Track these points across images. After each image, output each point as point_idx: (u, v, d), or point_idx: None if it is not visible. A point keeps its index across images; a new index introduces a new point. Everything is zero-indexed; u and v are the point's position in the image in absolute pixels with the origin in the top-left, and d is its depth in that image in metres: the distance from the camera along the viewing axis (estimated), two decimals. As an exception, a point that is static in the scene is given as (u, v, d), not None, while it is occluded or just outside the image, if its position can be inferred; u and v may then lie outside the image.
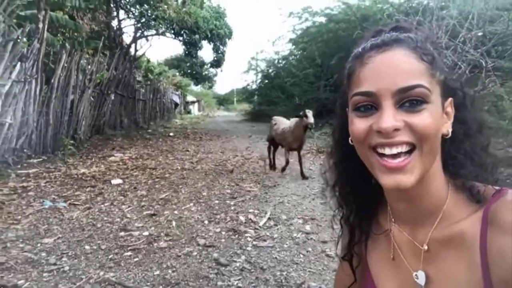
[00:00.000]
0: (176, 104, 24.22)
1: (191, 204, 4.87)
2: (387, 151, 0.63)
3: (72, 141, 8.22)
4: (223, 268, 3.10)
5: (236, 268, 3.12)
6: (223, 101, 53.58)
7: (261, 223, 4.12)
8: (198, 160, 8.15)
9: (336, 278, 1.01)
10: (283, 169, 6.76)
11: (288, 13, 17.31)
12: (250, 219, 4.27)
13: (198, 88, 41.83)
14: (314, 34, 16.79)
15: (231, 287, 2.82)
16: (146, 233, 3.85)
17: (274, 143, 7.28)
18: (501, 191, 0.66)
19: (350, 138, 0.71)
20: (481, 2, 8.68)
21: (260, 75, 23.14)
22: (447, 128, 0.68)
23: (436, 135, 0.64)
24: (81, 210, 4.56)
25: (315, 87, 17.91)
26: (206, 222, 4.19)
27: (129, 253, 3.37)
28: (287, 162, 6.63)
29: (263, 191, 5.59)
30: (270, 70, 22.44)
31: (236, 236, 3.78)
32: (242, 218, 4.30)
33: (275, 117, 7.54)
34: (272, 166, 7.29)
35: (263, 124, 18.21)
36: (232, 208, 4.72)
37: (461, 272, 0.65)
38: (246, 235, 3.80)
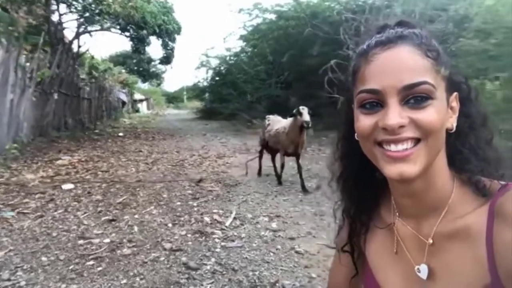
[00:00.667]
0: (124, 103, 23.34)
1: (152, 207, 4.70)
2: (392, 147, 0.64)
3: (14, 145, 7.62)
4: (194, 272, 3.03)
5: (207, 271, 3.05)
6: (173, 99, 52.35)
7: (227, 223, 4.08)
8: (153, 160, 7.90)
9: (331, 270, 1.00)
10: (279, 177, 5.98)
11: (238, 10, 17.25)
12: (216, 219, 4.20)
13: (146, 86, 40.58)
14: (264, 31, 16.89)
15: (204, 292, 2.76)
16: (107, 240, 3.66)
17: (268, 148, 6.34)
18: (507, 186, 0.67)
19: (356, 134, 0.72)
20: (422, 2, 9.19)
21: (211, 72, 22.83)
22: (451, 122, 0.69)
23: (441, 130, 0.65)
24: (32, 218, 4.24)
25: (266, 84, 18.04)
26: (170, 225, 4.07)
27: (91, 263, 3.18)
28: (282, 167, 5.88)
29: (225, 190, 5.53)
30: (222, 67, 22.25)
31: (203, 238, 3.71)
32: (207, 219, 4.22)
33: (269, 116, 6.62)
34: (259, 172, 6.50)
35: (216, 122, 18.16)
36: (196, 209, 4.62)
37: (467, 265, 0.66)
38: (213, 236, 3.74)
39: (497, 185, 0.68)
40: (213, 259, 3.25)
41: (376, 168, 0.70)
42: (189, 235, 3.78)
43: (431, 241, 0.71)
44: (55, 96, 10.89)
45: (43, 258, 3.23)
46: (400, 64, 0.63)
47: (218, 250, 3.44)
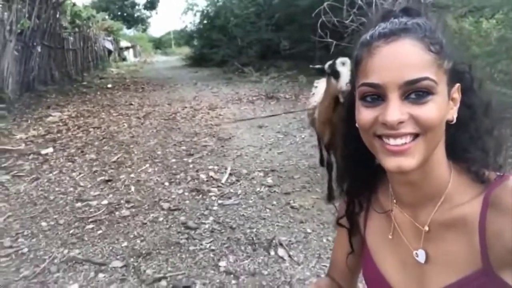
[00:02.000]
0: (110, 51, 22.47)
1: (147, 165, 4.72)
2: (391, 141, 0.64)
3: (1, 105, 7.43)
4: (193, 232, 3.10)
5: (205, 230, 3.13)
6: (160, 44, 50.40)
7: (223, 180, 4.12)
8: (145, 114, 7.79)
9: (333, 247, 1.04)
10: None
11: None
12: (211, 176, 4.24)
13: (131, 32, 39.03)
14: (254, -31, 16.00)
15: (203, 251, 2.84)
16: (105, 202, 3.70)
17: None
18: (503, 176, 0.67)
19: (356, 123, 0.72)
20: None
21: (199, 14, 21.87)
22: (452, 114, 0.68)
23: (441, 124, 0.65)
24: (28, 182, 4.24)
25: (257, 27, 17.42)
26: (166, 184, 4.11)
27: (91, 226, 3.24)
28: (329, 171, 3.54)
29: (219, 144, 5.53)
30: (210, 10, 21.30)
31: (200, 196, 3.76)
32: (203, 176, 4.26)
33: (318, 81, 4.46)
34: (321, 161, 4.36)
35: (207, 69, 17.77)
36: (191, 166, 4.65)
37: (461, 252, 0.68)
38: (210, 194, 3.80)
39: (493, 175, 0.69)
40: (211, 218, 3.32)
41: (374, 157, 0.71)
42: (186, 194, 3.83)
43: (427, 228, 0.73)
44: (38, 49, 10.44)
45: (43, 223, 3.28)
46: (402, 59, 0.63)
47: (215, 208, 3.51)
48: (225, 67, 16.64)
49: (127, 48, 28.70)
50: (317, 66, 3.12)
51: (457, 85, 0.69)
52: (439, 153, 0.70)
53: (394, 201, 0.80)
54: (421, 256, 0.74)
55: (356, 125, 0.72)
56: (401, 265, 0.79)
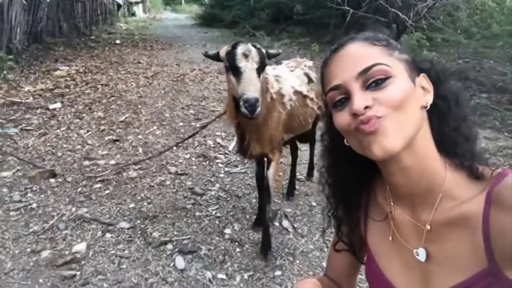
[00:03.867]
0: (119, 5, 21.90)
1: (155, 127, 4.71)
2: (366, 127, 0.66)
3: (10, 56, 7.33)
4: (199, 197, 3.13)
5: (212, 197, 3.16)
6: (170, 1, 49.29)
7: (230, 147, 4.11)
8: (153, 74, 7.69)
9: (329, 255, 1.03)
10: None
11: None
12: (219, 143, 4.24)
13: (141, -14, 37.90)
14: None
15: (209, 217, 2.88)
16: (112, 162, 3.72)
17: None
18: (503, 173, 0.68)
19: (345, 140, 0.76)
20: None
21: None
22: (425, 100, 0.72)
23: (407, 103, 0.67)
24: (36, 136, 4.26)
25: (271, -11, 16.83)
26: (174, 148, 4.11)
27: (98, 185, 3.28)
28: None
29: (227, 110, 5.47)
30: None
31: (207, 162, 3.77)
32: (210, 142, 4.25)
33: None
34: None
35: (217, 30, 17.37)
36: (199, 130, 4.63)
37: (464, 250, 0.68)
38: (217, 161, 3.80)
39: (489, 170, 0.70)
40: (217, 185, 3.34)
41: (365, 162, 0.74)
42: (193, 159, 3.84)
43: (428, 227, 0.73)
44: (47, -2, 10.19)
45: (51, 180, 3.32)
46: (351, 57, 0.71)
47: (222, 175, 3.52)
48: (236, 29, 16.23)
49: (137, 3, 27.99)
50: (211, 53, 2.10)
51: (422, 74, 0.74)
52: (425, 140, 0.71)
53: (392, 203, 0.81)
54: (421, 254, 0.75)
55: (346, 142, 0.76)
56: (405, 267, 0.79)
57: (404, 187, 0.75)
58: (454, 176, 0.72)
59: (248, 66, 1.88)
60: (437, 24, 8.70)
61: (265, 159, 2.48)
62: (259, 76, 1.92)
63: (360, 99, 0.67)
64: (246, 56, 1.89)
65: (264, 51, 1.99)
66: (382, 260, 0.84)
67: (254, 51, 1.91)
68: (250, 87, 1.84)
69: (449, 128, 0.75)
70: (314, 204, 3.07)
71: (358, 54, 0.70)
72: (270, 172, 2.41)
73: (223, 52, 2.00)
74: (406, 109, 0.67)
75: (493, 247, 0.63)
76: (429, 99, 0.73)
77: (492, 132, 4.43)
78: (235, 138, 3.70)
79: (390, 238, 0.81)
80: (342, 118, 0.71)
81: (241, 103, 1.83)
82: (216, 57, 2.05)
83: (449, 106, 0.76)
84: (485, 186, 0.68)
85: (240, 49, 1.90)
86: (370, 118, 0.66)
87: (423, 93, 0.73)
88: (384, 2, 8.71)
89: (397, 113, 0.66)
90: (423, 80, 0.74)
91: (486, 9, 8.68)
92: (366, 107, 0.66)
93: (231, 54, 1.92)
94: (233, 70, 1.91)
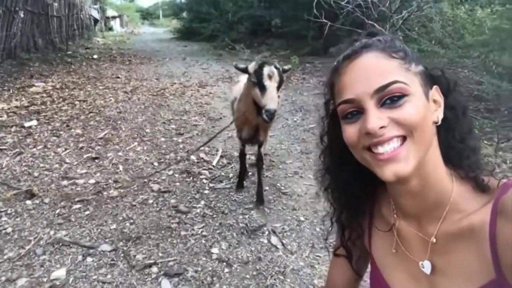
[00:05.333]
0: (96, 20, 21.65)
1: (135, 143, 4.59)
2: (380, 149, 0.65)
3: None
4: (184, 216, 3.04)
5: (197, 214, 3.07)
6: (148, 15, 49.00)
7: (214, 162, 4.04)
8: (132, 89, 7.56)
9: (330, 270, 1.03)
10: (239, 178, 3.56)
11: None
12: (202, 158, 4.15)
13: (118, 1, 37.65)
14: None
15: (195, 236, 2.79)
16: (92, 181, 3.59)
17: None
18: (508, 183, 0.67)
19: (337, 146, 0.77)
20: None
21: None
22: (437, 115, 0.70)
23: (424, 123, 0.65)
24: (11, 156, 4.09)
25: (249, 2, 16.98)
26: (155, 164, 4.01)
27: (78, 206, 3.14)
28: (242, 163, 3.50)
29: (210, 124, 5.42)
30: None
31: (191, 178, 3.69)
32: (193, 157, 4.16)
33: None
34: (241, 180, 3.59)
35: (196, 43, 17.37)
36: (181, 146, 4.54)
37: (471, 262, 0.67)
38: (201, 177, 3.72)
39: (495, 181, 0.69)
40: (202, 202, 3.25)
41: (370, 172, 0.71)
42: (176, 175, 3.74)
43: (434, 239, 0.72)
44: (21, 14, 9.94)
45: (27, 202, 3.16)
46: (367, 71, 0.67)
47: (206, 191, 3.44)
48: (215, 43, 16.27)
49: (114, 17, 27.73)
50: (241, 66, 2.66)
51: (435, 86, 0.71)
52: (434, 158, 0.70)
53: (395, 215, 0.80)
54: (426, 267, 0.74)
55: (335, 148, 0.77)
56: (410, 279, 0.79)
57: (411, 205, 0.75)
58: (460, 188, 0.71)
59: (271, 85, 2.43)
60: (412, 35, 8.91)
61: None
62: (278, 91, 2.47)
63: (376, 118, 0.64)
64: (270, 76, 2.44)
65: (281, 69, 2.55)
66: (386, 272, 0.84)
67: (276, 72, 2.46)
68: (272, 101, 2.39)
69: (455, 141, 0.74)
70: (302, 218, 3.02)
71: (375, 68, 0.66)
72: (262, 149, 3.23)
73: (251, 68, 2.57)
74: (422, 130, 0.65)
75: (500, 258, 0.63)
76: (440, 114, 0.71)
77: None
78: (219, 153, 3.89)
79: (394, 250, 0.81)
80: (352, 133, 0.69)
81: (263, 111, 2.41)
82: (245, 71, 2.64)
83: (456, 117, 0.74)
84: (491, 197, 0.67)
85: (266, 71, 2.45)
86: (387, 140, 0.64)
87: (434, 107, 0.70)
88: (360, 14, 8.89)
89: (416, 135, 0.64)
90: (435, 93, 0.71)
91: (458, 20, 8.96)
92: (382, 127, 0.64)
93: (258, 73, 2.47)
94: (259, 85, 2.46)
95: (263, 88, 2.44)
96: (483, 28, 7.52)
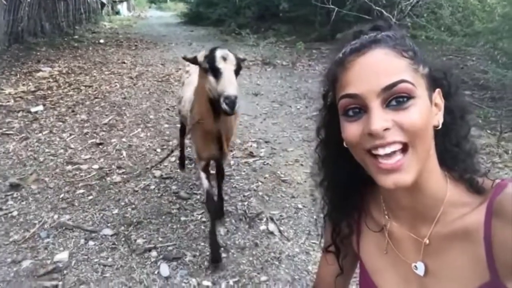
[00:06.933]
0: (103, 4, 21.60)
1: (139, 129, 4.65)
2: (380, 151, 0.63)
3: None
4: (184, 202, 3.10)
5: (197, 201, 3.13)
6: (155, -2, 48.83)
7: (215, 149, 4.07)
8: (137, 74, 7.59)
9: (319, 268, 1.03)
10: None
11: None
12: (204, 145, 4.19)
13: (125, -16, 37.41)
14: None
15: (194, 222, 2.86)
16: (96, 166, 3.66)
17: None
18: (502, 183, 0.66)
19: (344, 142, 0.72)
20: None
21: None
22: (437, 119, 0.69)
23: (426, 129, 0.64)
24: (17, 141, 4.17)
25: (256, -14, 16.77)
26: (158, 150, 4.07)
27: (81, 191, 3.22)
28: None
29: (213, 111, 5.43)
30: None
31: (192, 165, 3.73)
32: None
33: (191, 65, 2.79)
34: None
35: (203, 28, 17.24)
36: (184, 132, 4.58)
37: (465, 263, 0.67)
38: (202, 163, 3.76)
39: (489, 182, 0.68)
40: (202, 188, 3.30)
41: (363, 170, 0.70)
42: (178, 162, 3.79)
43: (427, 241, 0.72)
44: (27, -3, 9.99)
45: (33, 186, 3.25)
46: (376, 68, 0.63)
47: (207, 178, 3.48)
48: (222, 27, 16.14)
49: (121, 1, 27.63)
50: (189, 57, 2.18)
51: (438, 90, 0.70)
52: (431, 162, 0.69)
53: (387, 216, 0.80)
54: (420, 268, 0.74)
55: (344, 144, 0.71)
56: (401, 281, 0.78)
57: (404, 207, 0.75)
58: (455, 189, 0.71)
59: (227, 67, 2.00)
60: (420, 21, 8.79)
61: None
62: (236, 77, 2.03)
63: (380, 119, 0.62)
64: (224, 58, 2.01)
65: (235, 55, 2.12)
66: (376, 273, 0.83)
67: (231, 55, 2.05)
68: (231, 85, 1.94)
69: (451, 144, 0.73)
70: (300, 206, 3.06)
71: (384, 66, 0.63)
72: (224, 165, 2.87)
73: (200, 56, 2.11)
74: (424, 137, 0.64)
75: (495, 260, 0.63)
76: (440, 117, 0.69)
77: (475, 129, 4.48)
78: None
79: (385, 252, 0.80)
80: (352, 131, 0.66)
81: (221, 100, 1.91)
82: (193, 61, 2.15)
83: (454, 121, 0.73)
84: (486, 198, 0.66)
85: (219, 53, 2.02)
86: (389, 144, 0.62)
87: (435, 110, 0.69)
88: (368, 0, 8.78)
89: (418, 143, 0.63)
90: (437, 96, 0.70)
91: (469, 6, 8.80)
92: (386, 129, 0.62)
93: (210, 57, 2.03)
94: (213, 71, 2.00)
95: (217, 72, 1.97)
96: (494, 14, 7.39)
